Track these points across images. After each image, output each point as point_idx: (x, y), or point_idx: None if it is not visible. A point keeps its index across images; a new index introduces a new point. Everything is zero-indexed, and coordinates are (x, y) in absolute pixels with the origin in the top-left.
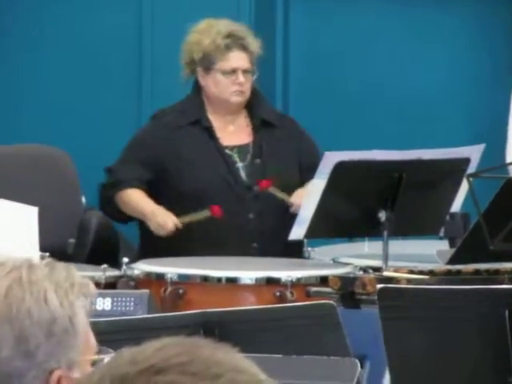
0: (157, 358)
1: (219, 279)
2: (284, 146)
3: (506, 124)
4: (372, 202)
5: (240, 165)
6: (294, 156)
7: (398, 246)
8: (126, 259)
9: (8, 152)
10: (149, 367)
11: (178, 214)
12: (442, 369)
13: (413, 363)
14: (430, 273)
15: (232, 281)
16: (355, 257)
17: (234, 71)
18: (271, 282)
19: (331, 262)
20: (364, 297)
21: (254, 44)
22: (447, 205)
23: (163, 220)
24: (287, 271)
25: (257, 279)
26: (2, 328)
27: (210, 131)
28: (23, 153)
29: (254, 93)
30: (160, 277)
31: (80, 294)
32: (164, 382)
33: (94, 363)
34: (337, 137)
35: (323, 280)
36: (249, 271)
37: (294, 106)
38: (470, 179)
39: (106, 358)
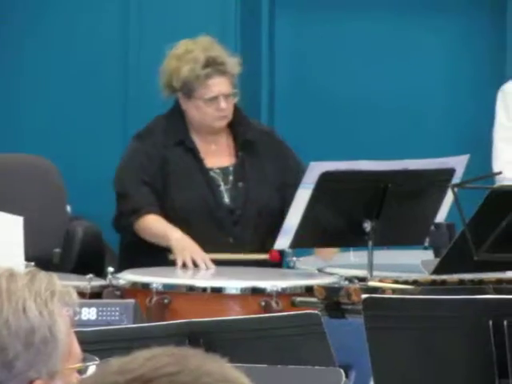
0: (146, 367)
1: (204, 289)
2: (267, 167)
3: (489, 133)
4: (357, 211)
5: (223, 188)
6: (277, 176)
7: (383, 256)
8: (111, 269)
9: None
10: (138, 377)
11: None
12: (427, 378)
13: (398, 373)
14: (415, 283)
15: (217, 290)
16: (340, 267)
17: (215, 98)
18: (256, 291)
19: (316, 271)
20: (349, 306)
21: (233, 65)
22: (432, 215)
23: (191, 254)
24: (272, 281)
25: (242, 289)
26: None
27: (194, 152)
28: (9, 162)
29: (236, 111)
30: (145, 286)
31: (61, 303)
32: None
33: (79, 371)
34: (323, 147)
35: (308, 290)
36: (234, 281)
37: (280, 117)
38: (455, 189)
39: (91, 366)
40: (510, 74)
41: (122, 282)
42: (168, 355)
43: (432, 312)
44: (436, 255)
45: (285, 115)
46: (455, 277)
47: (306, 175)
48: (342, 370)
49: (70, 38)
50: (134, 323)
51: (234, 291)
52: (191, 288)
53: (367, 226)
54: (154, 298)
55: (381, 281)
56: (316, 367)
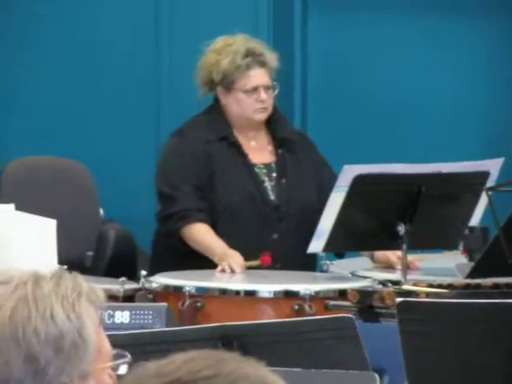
0: (183, 371)
1: (237, 292)
2: (305, 165)
3: None
4: (391, 215)
5: (267, 184)
6: (315, 174)
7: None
8: (144, 272)
9: (27, 163)
10: (175, 380)
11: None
12: (460, 383)
13: (432, 377)
14: (449, 286)
15: (250, 294)
16: (374, 270)
17: (255, 89)
18: (289, 295)
19: (350, 275)
20: (382, 310)
21: (272, 58)
22: (466, 218)
23: (233, 265)
24: (306, 284)
25: (275, 292)
26: (9, 350)
27: (237, 147)
28: (42, 165)
29: (273, 110)
30: (178, 289)
31: (88, 303)
32: None
33: (112, 368)
34: (355, 149)
35: (342, 293)
36: (267, 284)
37: (313, 119)
38: (489, 193)
39: (123, 363)
40: None
41: (154, 285)
42: (204, 358)
43: (467, 316)
44: (470, 259)
45: (317, 117)
46: (489, 280)
47: (339, 178)
48: (375, 374)
49: (104, 41)
50: (166, 327)
51: (266, 294)
52: (224, 291)
53: (401, 229)
54: (187, 302)
55: (415, 284)
56: (350, 371)
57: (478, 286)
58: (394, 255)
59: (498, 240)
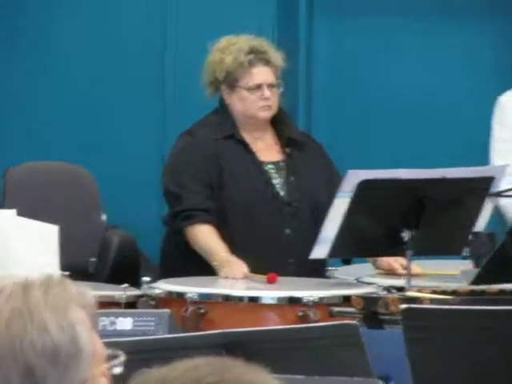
0: (187, 377)
1: (241, 298)
2: (313, 164)
3: None
4: (396, 221)
5: (276, 181)
6: (324, 173)
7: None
8: (146, 278)
9: (31, 169)
10: None
11: (218, 229)
12: None
13: (437, 383)
14: (454, 293)
15: (254, 300)
16: (378, 276)
17: (258, 87)
18: (293, 301)
19: (354, 281)
20: (387, 317)
21: (277, 57)
22: (471, 224)
23: (234, 272)
24: (310, 291)
25: (279, 298)
26: (7, 363)
27: (244, 145)
28: (45, 170)
29: (279, 110)
30: (181, 296)
31: (79, 308)
32: None
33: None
34: (359, 150)
35: (346, 300)
36: (271, 290)
37: (317, 120)
38: (495, 198)
39: (118, 362)
40: None
41: (157, 291)
42: (208, 365)
43: (471, 322)
44: (476, 265)
45: (322, 118)
46: (495, 287)
47: (343, 183)
48: (380, 381)
49: (110, 40)
50: (169, 333)
51: (270, 301)
52: (227, 297)
53: (405, 235)
54: (190, 308)
55: (419, 291)
56: (354, 378)
57: (482, 292)
58: (395, 261)
59: (504, 246)
